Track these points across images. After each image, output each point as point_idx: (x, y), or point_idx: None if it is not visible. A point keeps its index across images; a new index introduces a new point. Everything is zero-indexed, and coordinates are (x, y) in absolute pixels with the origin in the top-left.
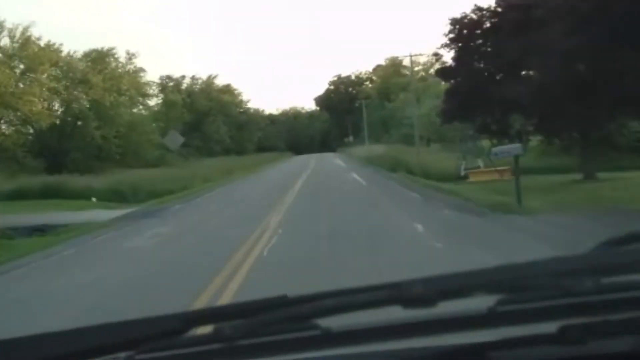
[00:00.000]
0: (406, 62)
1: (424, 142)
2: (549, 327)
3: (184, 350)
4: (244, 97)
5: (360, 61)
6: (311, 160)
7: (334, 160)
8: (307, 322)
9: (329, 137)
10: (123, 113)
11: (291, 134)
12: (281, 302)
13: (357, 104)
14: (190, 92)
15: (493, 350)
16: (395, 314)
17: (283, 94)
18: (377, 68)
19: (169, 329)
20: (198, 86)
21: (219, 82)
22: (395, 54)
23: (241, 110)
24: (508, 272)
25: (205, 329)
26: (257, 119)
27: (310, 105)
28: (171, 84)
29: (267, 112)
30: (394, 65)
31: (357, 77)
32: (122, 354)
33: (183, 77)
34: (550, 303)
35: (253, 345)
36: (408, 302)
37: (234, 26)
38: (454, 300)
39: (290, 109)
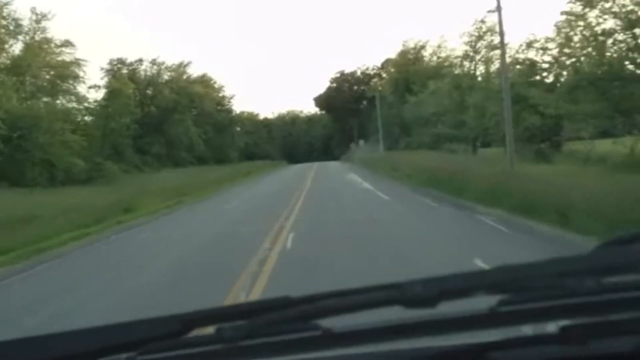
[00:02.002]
0: (428, 48)
1: (468, 144)
2: (551, 327)
3: (185, 351)
4: (227, 93)
5: (365, 58)
6: (308, 174)
7: (345, 174)
8: (308, 323)
9: (330, 143)
10: (4, 102)
11: (287, 140)
12: (282, 303)
13: (362, 105)
14: (150, 82)
15: (494, 350)
16: (396, 314)
17: (281, 98)
18: (388, 62)
19: (170, 330)
20: (165, 75)
21: (195, 72)
22: (415, 38)
23: (221, 108)
24: (509, 272)
25: (206, 330)
26: (242, 119)
27: (309, 109)
28: (125, 70)
29: (262, 116)
30: (415, 50)
31: (363, 72)
32: (123, 355)
33: (140, 61)
34: (551, 303)
35: (254, 346)
36: (409, 302)
37: (226, 22)
38: (455, 301)
39: (288, 112)
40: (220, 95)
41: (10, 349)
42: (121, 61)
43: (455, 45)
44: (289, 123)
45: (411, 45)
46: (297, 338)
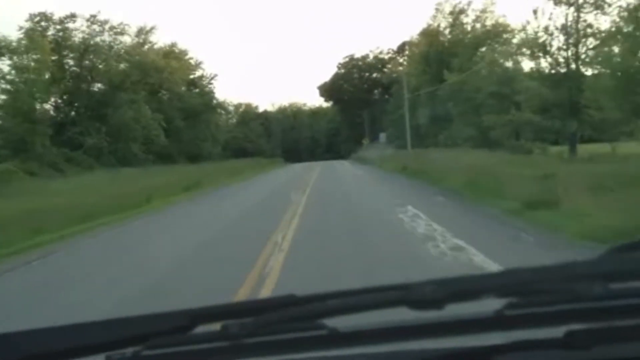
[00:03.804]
0: (470, 13)
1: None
2: (556, 331)
3: (190, 347)
4: (207, 72)
5: (378, 41)
6: (302, 190)
7: (389, 199)
8: (314, 322)
9: (336, 139)
10: None
11: (288, 135)
12: (288, 302)
13: (375, 95)
14: (88, 47)
15: (500, 353)
16: (402, 315)
17: (283, 89)
18: (407, 44)
19: (175, 326)
20: (116, 43)
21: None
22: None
23: (201, 90)
24: (516, 276)
25: (212, 326)
26: (223, 106)
27: (314, 101)
28: (51, 31)
29: (261, 108)
30: (453, 15)
31: (376, 57)
32: (129, 350)
33: (72, 17)
34: (558, 308)
35: (260, 344)
36: (416, 303)
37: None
38: (462, 303)
39: (290, 104)
40: (198, 74)
41: (18, 340)
42: (46, 17)
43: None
44: (291, 116)
45: (447, 9)
46: (303, 337)
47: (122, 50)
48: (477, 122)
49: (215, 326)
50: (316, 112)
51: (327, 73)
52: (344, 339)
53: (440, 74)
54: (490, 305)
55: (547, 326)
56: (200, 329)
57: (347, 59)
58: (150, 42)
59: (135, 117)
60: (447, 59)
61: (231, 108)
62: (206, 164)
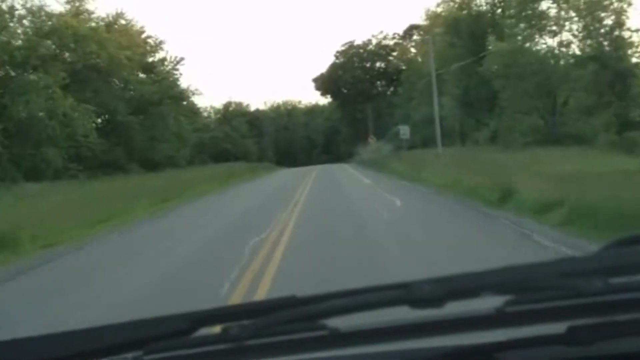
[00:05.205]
0: None
1: None
2: (557, 327)
3: (191, 350)
4: (170, 55)
5: (381, 27)
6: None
7: None
8: (315, 323)
9: (336, 139)
10: None
11: (281, 136)
12: (289, 302)
13: (377, 89)
14: None
15: (501, 350)
16: (403, 314)
17: (276, 87)
18: (411, 28)
19: (176, 329)
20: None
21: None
22: None
23: (160, 77)
24: (516, 272)
25: (212, 329)
26: (187, 94)
27: (310, 99)
28: None
29: (253, 107)
30: None
31: (379, 43)
32: (130, 354)
33: None
34: (558, 304)
35: (261, 346)
36: (416, 302)
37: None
38: (462, 301)
39: (284, 102)
40: (158, 58)
41: (19, 347)
42: None
43: None
44: (285, 115)
45: None
46: (304, 338)
47: (23, 11)
48: (543, 107)
49: (216, 329)
50: (312, 110)
51: (323, 66)
52: (345, 338)
53: (475, 46)
54: (490, 302)
55: (548, 322)
56: (201, 332)
57: (346, 47)
58: (86, 12)
59: (50, 109)
60: (484, 27)
61: (202, 100)
62: (162, 173)
